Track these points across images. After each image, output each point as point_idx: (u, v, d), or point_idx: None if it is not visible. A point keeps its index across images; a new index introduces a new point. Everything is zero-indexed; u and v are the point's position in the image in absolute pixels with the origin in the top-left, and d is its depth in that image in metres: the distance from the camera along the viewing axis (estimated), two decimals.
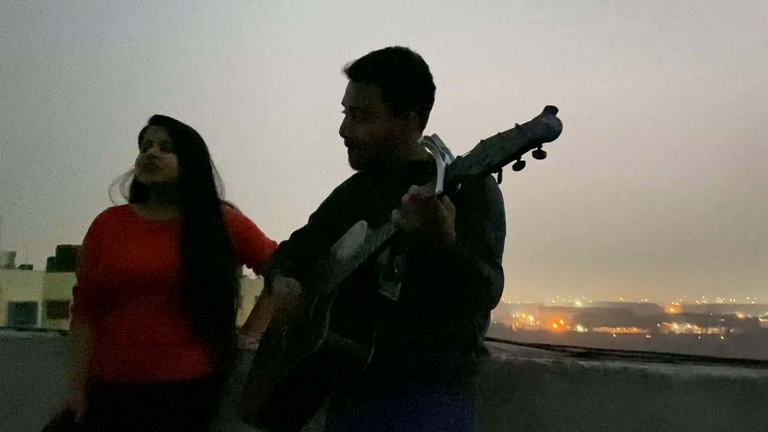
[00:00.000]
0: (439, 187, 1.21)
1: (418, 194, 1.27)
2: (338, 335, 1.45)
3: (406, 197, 1.29)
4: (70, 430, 1.88)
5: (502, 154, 1.11)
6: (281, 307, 1.66)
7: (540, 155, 1.09)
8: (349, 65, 1.67)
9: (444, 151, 1.24)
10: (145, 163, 2.04)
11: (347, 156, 1.71)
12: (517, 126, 1.11)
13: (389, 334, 1.50)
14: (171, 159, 2.05)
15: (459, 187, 1.22)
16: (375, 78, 1.63)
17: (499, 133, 1.14)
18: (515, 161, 1.11)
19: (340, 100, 1.70)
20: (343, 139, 1.69)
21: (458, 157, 1.22)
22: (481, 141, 1.17)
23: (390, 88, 1.63)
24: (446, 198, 1.28)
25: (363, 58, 1.66)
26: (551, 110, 1.09)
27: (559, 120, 1.08)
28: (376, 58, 1.66)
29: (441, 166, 1.22)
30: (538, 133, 1.07)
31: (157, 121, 2.11)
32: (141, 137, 2.10)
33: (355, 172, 1.82)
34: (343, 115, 1.70)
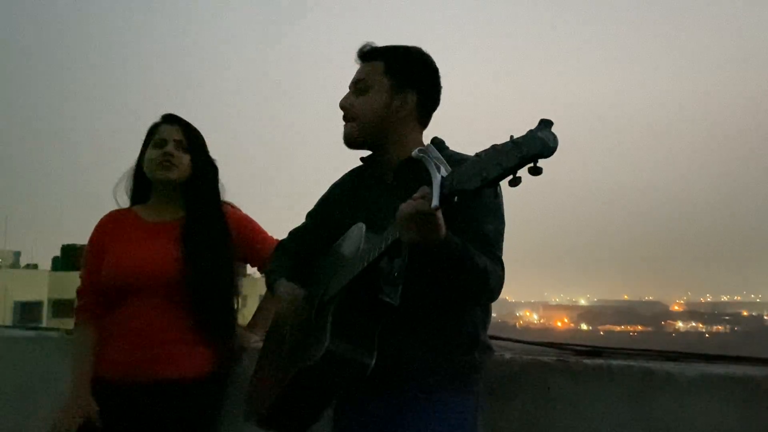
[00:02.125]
0: (435, 202, 1.21)
1: (414, 209, 1.27)
2: (340, 342, 1.45)
3: (402, 211, 1.30)
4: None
5: (498, 169, 1.10)
6: (284, 312, 1.67)
7: (536, 172, 1.08)
8: (358, 51, 1.73)
9: (439, 162, 1.23)
10: (162, 160, 2.04)
11: (343, 132, 1.70)
12: (512, 139, 1.09)
13: (391, 336, 1.50)
14: (185, 159, 2.07)
15: (455, 200, 1.21)
16: (379, 55, 1.70)
17: (494, 146, 1.13)
18: (511, 176, 1.10)
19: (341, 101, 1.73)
20: (342, 116, 1.70)
21: (454, 170, 1.21)
22: (477, 154, 1.16)
23: (391, 64, 1.68)
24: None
25: (364, 44, 1.73)
26: (546, 124, 1.07)
27: (554, 135, 1.06)
28: (381, 45, 1.73)
29: (436, 179, 1.21)
30: (534, 149, 1.06)
31: (171, 120, 2.12)
32: (151, 134, 2.11)
33: (350, 168, 1.83)
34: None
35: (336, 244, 1.66)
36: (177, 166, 2.05)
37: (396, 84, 1.67)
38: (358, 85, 1.69)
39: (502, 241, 1.59)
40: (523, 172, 1.10)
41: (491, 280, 1.49)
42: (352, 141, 1.70)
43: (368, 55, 1.71)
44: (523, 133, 1.09)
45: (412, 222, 1.28)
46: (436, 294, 1.53)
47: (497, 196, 1.58)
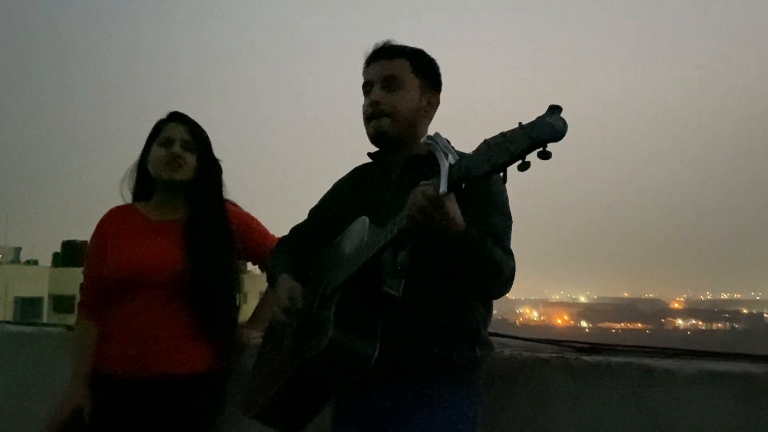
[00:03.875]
0: (443, 188, 1.21)
1: (422, 195, 1.28)
2: (343, 333, 1.45)
3: (410, 198, 1.30)
4: (78, 427, 1.90)
5: (507, 154, 1.10)
6: (283, 313, 1.67)
7: (545, 156, 1.08)
8: (377, 47, 1.72)
9: (447, 150, 1.23)
10: (169, 161, 2.03)
11: (373, 127, 1.67)
12: (521, 125, 1.09)
13: (393, 329, 1.50)
14: (192, 159, 2.07)
15: (463, 186, 1.21)
16: (402, 54, 1.70)
17: (502, 133, 1.13)
18: (520, 161, 1.10)
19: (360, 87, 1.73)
20: (370, 112, 1.68)
21: (462, 156, 1.21)
22: (485, 141, 1.16)
23: (417, 64, 1.70)
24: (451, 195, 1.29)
25: (385, 41, 1.72)
26: (555, 110, 1.07)
27: (563, 120, 1.06)
28: (398, 44, 1.73)
29: (444, 165, 1.22)
30: (543, 134, 1.06)
31: (178, 118, 2.11)
32: (157, 132, 2.09)
33: (354, 166, 1.84)
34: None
35: (338, 238, 1.66)
36: (183, 166, 2.04)
37: (424, 84, 1.70)
38: (388, 82, 1.67)
39: (510, 236, 1.61)
40: (532, 158, 1.09)
41: (505, 271, 1.51)
42: (384, 136, 1.68)
43: (391, 52, 1.70)
44: (532, 119, 1.09)
45: (421, 209, 1.29)
46: (439, 288, 1.54)
47: (504, 181, 1.60)
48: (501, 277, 1.51)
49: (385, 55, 1.71)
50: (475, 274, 1.48)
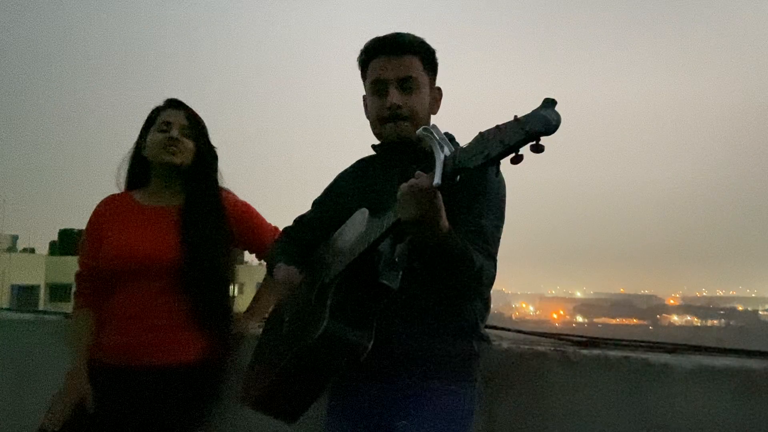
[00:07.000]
0: (437, 180, 1.20)
1: (416, 185, 1.27)
2: (338, 323, 1.45)
3: (404, 187, 1.30)
4: (82, 419, 1.89)
5: (500, 147, 1.10)
6: (284, 297, 1.66)
7: (538, 149, 1.07)
8: (385, 40, 1.66)
9: (442, 142, 1.22)
10: (167, 144, 2.04)
11: (392, 130, 1.64)
12: (516, 118, 1.09)
13: (389, 322, 1.50)
14: (189, 144, 2.07)
15: (457, 179, 1.21)
16: (413, 49, 1.66)
17: (497, 126, 1.13)
18: (513, 154, 1.10)
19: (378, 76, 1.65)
20: (387, 114, 1.64)
21: (456, 148, 1.21)
22: (480, 133, 1.16)
23: (426, 60, 1.67)
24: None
25: (394, 34, 1.67)
26: (550, 103, 1.07)
27: (557, 113, 1.06)
28: (405, 34, 1.68)
29: (440, 158, 1.21)
30: (537, 126, 1.05)
31: (175, 104, 2.11)
32: (154, 118, 2.10)
33: (358, 158, 1.83)
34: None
35: (339, 230, 1.66)
36: (182, 151, 2.05)
37: (431, 80, 1.69)
38: (405, 83, 1.64)
39: (499, 238, 1.59)
40: (525, 151, 1.09)
41: (484, 279, 1.50)
42: (406, 141, 1.65)
43: (402, 47, 1.66)
44: (527, 112, 1.09)
45: (412, 199, 1.28)
46: (437, 281, 1.53)
47: (498, 173, 1.60)
48: (480, 284, 1.51)
49: (395, 50, 1.65)
50: (453, 278, 1.48)
